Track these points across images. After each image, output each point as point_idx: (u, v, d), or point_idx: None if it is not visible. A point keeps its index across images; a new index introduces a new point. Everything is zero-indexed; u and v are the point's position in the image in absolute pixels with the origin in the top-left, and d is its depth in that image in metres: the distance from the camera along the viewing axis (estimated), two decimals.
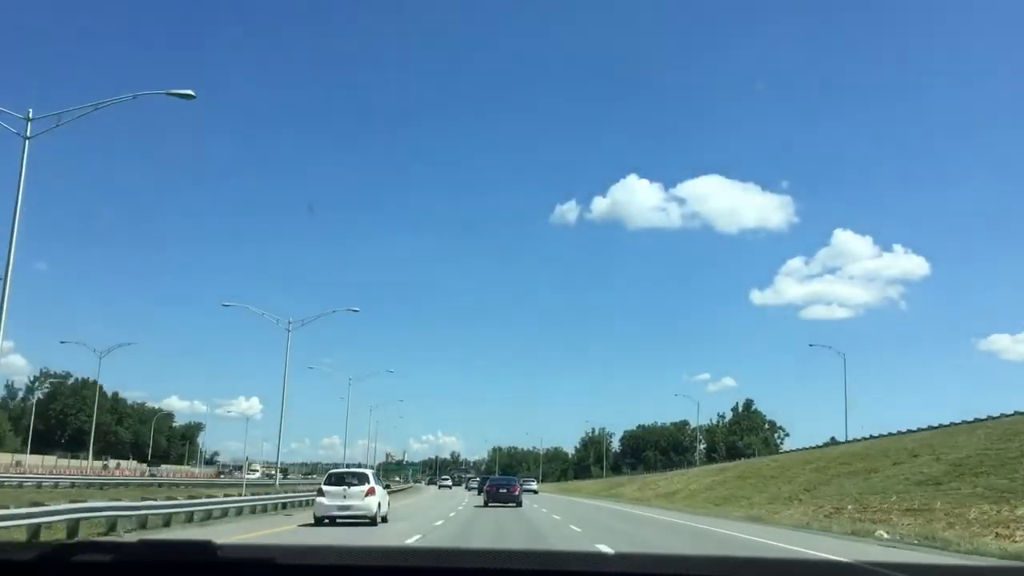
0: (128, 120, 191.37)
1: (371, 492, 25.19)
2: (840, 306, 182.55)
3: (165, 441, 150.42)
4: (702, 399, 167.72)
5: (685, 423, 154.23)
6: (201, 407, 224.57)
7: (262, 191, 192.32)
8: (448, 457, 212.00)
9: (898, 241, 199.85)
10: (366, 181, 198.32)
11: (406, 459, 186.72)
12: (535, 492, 73.53)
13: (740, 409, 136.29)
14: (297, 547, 2.54)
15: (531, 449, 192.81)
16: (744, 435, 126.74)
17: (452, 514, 35.23)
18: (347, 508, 24.86)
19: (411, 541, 19.66)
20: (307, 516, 27.98)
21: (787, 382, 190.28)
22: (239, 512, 30.54)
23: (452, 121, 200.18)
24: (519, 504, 43.04)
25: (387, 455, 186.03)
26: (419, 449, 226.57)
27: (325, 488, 25.62)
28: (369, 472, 28.54)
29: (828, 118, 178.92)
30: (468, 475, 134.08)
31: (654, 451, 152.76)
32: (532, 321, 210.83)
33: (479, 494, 55.37)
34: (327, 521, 24.99)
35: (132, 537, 9.42)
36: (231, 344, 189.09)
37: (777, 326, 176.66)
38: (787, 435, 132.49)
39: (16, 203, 25.27)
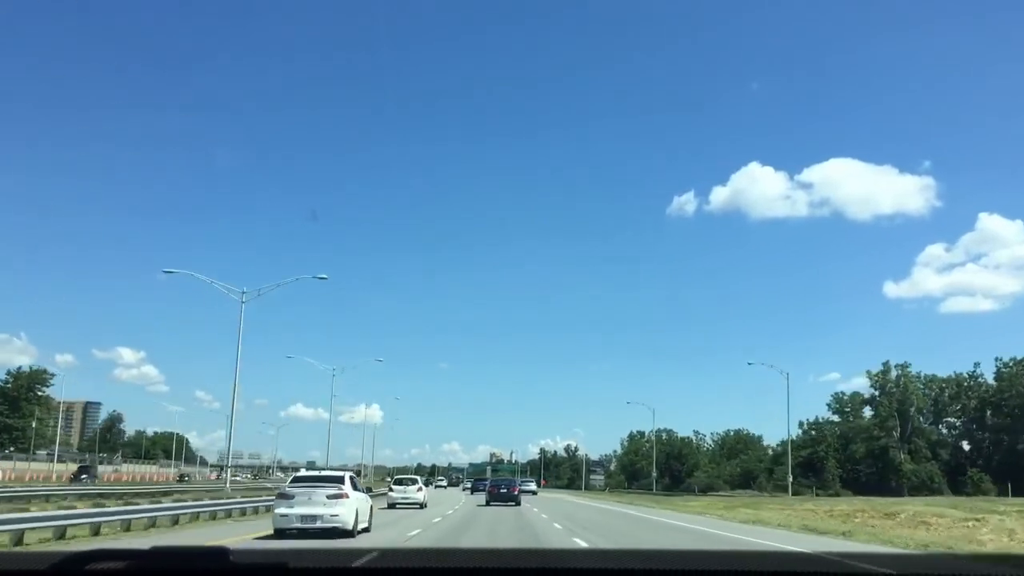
0: None
1: (419, 489, 41.16)
2: (985, 297, 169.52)
3: None
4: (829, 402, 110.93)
5: None
6: (324, 415, 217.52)
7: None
8: (564, 455, 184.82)
9: None
10: (481, 185, 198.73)
11: (512, 459, 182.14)
12: (534, 493, 72.94)
13: None
14: (308, 550, 2.72)
15: (692, 436, 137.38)
16: None
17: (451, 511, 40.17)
18: (407, 499, 40.38)
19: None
20: None
21: None
22: None
23: (567, 114, 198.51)
24: (518, 503, 45.46)
25: (491, 455, 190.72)
26: (535, 452, 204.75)
27: (393, 487, 42.23)
28: (418, 478, 46.59)
29: (975, 92, 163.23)
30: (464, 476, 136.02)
31: None
32: (649, 319, 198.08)
33: (472, 494, 68.99)
34: (396, 505, 39.36)
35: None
36: None
37: (914, 321, 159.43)
38: None
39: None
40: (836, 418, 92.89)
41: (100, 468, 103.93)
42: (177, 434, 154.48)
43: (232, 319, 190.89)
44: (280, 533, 20.14)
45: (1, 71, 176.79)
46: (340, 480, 21.57)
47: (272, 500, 32.00)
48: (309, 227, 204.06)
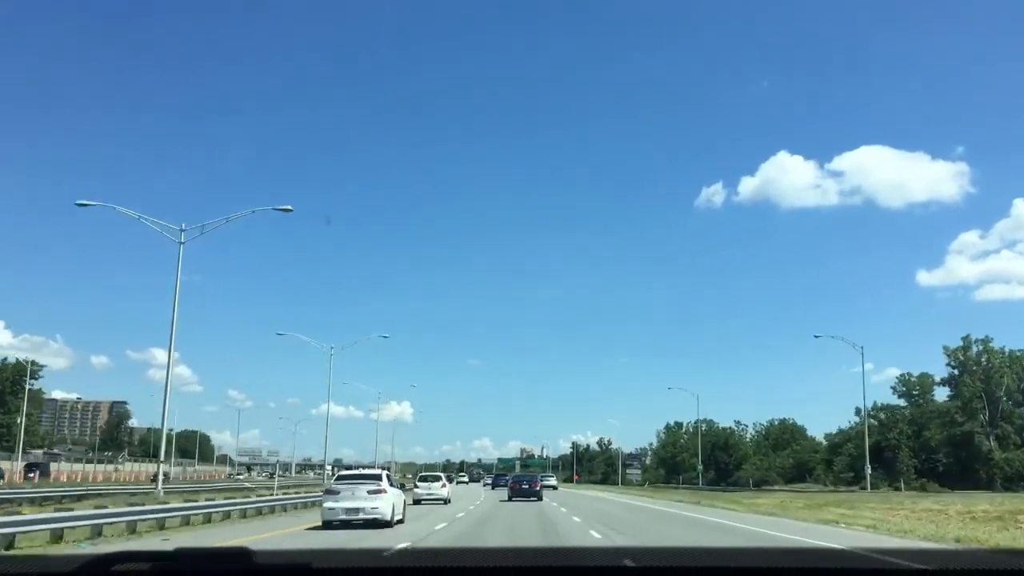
0: None
1: (443, 486, 43.09)
2: (1020, 284, 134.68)
3: None
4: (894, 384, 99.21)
5: None
6: (357, 412, 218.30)
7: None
8: (597, 449, 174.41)
9: None
10: (492, 183, 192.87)
11: (543, 455, 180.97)
12: (554, 488, 73.92)
13: None
14: (331, 551, 2.73)
15: (733, 427, 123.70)
16: None
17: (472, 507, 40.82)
18: (431, 494, 41.96)
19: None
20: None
21: None
22: None
23: (574, 114, 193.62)
24: (540, 498, 47.01)
25: (521, 450, 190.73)
26: (567, 447, 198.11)
27: (419, 483, 44.55)
28: (442, 475, 49.08)
29: (1009, 76, 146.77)
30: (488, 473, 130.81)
31: None
32: (678, 312, 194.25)
33: (493, 489, 71.20)
34: (421, 501, 40.75)
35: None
36: None
37: (948, 310, 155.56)
38: None
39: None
40: (902, 403, 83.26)
41: (100, 467, 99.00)
42: (174, 432, 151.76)
43: (263, 318, 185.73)
44: (328, 524, 22.79)
45: (1, 71, 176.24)
46: (379, 477, 24.63)
47: (234, 505, 28.14)
48: (310, 227, 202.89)
